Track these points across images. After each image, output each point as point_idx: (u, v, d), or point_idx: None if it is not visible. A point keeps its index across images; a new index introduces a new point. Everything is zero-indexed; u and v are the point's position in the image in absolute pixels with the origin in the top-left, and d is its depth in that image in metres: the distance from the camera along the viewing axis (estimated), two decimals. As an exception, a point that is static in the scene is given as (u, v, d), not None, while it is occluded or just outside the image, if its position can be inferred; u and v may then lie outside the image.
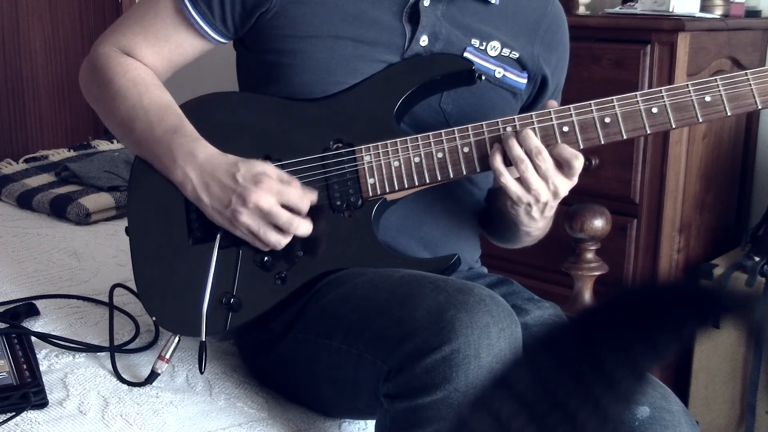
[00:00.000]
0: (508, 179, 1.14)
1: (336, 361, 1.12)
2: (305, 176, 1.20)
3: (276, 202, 1.13)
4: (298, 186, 1.15)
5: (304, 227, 1.15)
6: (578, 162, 1.13)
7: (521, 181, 1.14)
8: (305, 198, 1.15)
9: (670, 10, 2.07)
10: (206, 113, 1.22)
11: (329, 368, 1.15)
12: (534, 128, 1.15)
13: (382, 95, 1.21)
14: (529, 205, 1.16)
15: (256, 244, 1.17)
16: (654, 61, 1.98)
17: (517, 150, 1.13)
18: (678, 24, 1.96)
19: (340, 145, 1.21)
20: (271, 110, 1.23)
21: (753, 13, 2.29)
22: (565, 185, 1.15)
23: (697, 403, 2.12)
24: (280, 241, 1.15)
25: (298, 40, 1.23)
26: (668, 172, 2.03)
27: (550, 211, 1.20)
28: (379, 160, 1.19)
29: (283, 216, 1.13)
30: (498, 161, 1.14)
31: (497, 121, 1.17)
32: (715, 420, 2.10)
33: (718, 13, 2.19)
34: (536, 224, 1.22)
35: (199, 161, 1.17)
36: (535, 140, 1.13)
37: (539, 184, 1.13)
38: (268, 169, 1.15)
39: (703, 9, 2.15)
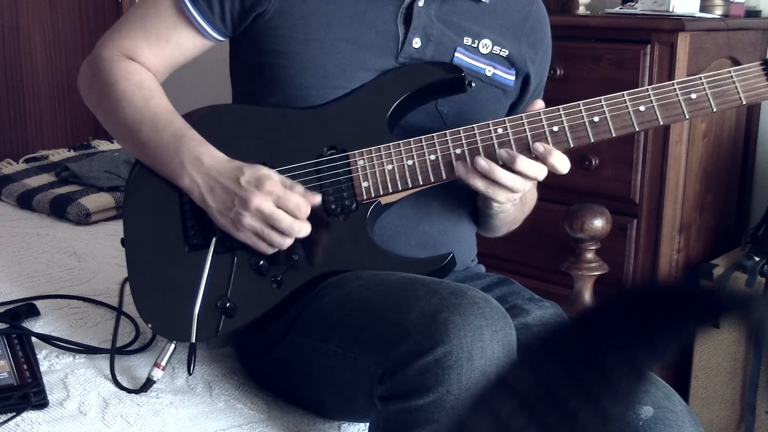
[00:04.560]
0: (494, 191, 1.16)
1: (332, 364, 1.13)
2: (300, 182, 1.19)
3: (277, 206, 1.14)
4: (300, 190, 1.16)
5: (305, 231, 1.16)
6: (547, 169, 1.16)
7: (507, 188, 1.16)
8: (306, 202, 1.15)
9: (670, 10, 2.07)
10: (203, 125, 1.22)
11: (326, 371, 1.15)
12: (525, 129, 1.17)
13: (374, 103, 1.22)
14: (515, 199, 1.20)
15: (260, 246, 1.17)
16: (654, 61, 1.98)
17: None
18: (678, 24, 1.96)
19: (334, 151, 1.21)
20: (266, 120, 1.24)
21: (753, 13, 2.29)
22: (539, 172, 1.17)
23: (697, 403, 2.12)
24: (283, 242, 1.16)
25: (296, 42, 1.23)
26: (668, 172, 2.03)
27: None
28: (373, 164, 1.20)
29: (285, 220, 1.14)
30: (481, 184, 1.16)
31: (488, 123, 1.19)
32: (715, 420, 2.10)
33: (718, 13, 2.19)
34: (518, 209, 1.30)
35: (205, 166, 1.18)
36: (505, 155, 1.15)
37: (521, 184, 1.16)
38: (272, 173, 1.16)
39: (703, 9, 2.15)
